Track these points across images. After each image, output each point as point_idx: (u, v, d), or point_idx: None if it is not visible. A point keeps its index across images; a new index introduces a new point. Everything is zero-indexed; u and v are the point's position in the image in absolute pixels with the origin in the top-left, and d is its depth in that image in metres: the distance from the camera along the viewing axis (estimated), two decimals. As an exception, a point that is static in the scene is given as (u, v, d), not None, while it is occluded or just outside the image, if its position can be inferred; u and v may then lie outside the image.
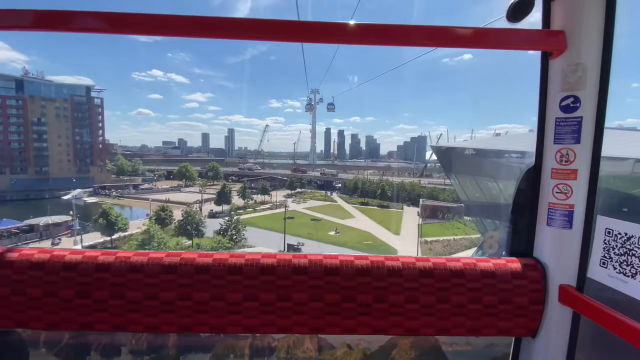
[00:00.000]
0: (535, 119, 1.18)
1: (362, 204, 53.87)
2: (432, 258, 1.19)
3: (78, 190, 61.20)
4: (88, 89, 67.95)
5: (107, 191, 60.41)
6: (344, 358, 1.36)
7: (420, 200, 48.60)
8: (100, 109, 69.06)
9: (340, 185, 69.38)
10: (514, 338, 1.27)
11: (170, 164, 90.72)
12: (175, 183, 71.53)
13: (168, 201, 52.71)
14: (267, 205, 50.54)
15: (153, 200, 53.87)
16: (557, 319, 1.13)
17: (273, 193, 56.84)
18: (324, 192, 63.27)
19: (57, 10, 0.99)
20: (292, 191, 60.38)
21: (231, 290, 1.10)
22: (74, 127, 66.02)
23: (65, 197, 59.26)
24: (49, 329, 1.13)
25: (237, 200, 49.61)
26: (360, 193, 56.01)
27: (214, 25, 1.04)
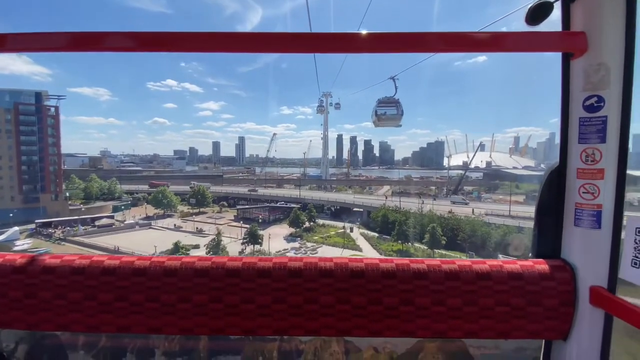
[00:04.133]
0: (553, 121, 1.09)
1: (401, 253, 36.08)
2: (458, 261, 1.19)
3: (14, 229, 45.35)
4: (38, 95, 53.61)
5: (51, 229, 44.80)
6: None
7: (500, 257, 30.33)
8: (54, 121, 54.41)
9: (360, 210, 52.14)
10: (543, 341, 1.24)
11: (164, 180, 76.38)
12: (152, 211, 56.41)
13: (117, 251, 36.73)
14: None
15: (97, 248, 38.03)
16: (589, 321, 1.11)
17: (272, 231, 40.10)
18: (341, 225, 45.81)
19: (90, 32, 1.07)
20: (297, 229, 42.93)
21: (261, 293, 1.12)
22: (19, 144, 51.38)
23: (-6, 240, 45.24)
24: (89, 332, 1.19)
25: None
26: (396, 236, 38.05)
27: (231, 40, 1.10)
